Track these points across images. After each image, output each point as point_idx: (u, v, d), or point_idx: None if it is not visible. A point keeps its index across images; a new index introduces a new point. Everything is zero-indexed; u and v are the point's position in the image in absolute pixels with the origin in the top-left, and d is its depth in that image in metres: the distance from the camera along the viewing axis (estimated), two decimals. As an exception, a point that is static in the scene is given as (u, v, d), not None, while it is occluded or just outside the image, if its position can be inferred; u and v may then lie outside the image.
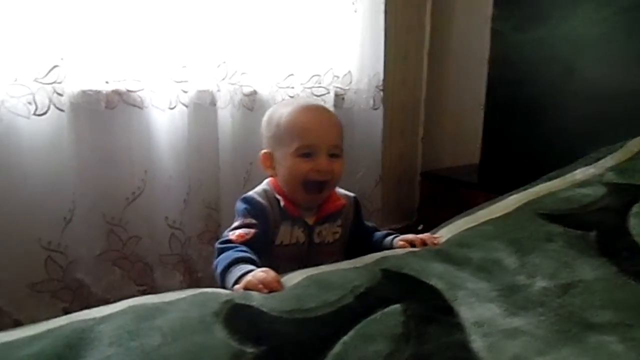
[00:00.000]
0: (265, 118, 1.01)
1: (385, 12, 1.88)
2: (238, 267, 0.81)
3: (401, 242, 0.98)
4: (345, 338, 0.58)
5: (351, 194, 1.07)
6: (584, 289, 0.73)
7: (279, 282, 0.75)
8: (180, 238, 1.52)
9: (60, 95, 1.26)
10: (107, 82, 1.36)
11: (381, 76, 1.91)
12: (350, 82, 1.86)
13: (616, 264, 0.79)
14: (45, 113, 1.24)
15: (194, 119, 1.50)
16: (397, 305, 0.66)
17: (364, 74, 1.87)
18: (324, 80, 1.76)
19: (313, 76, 1.74)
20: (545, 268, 0.79)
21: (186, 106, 1.47)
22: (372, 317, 0.63)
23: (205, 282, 1.50)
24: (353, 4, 1.80)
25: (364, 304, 0.67)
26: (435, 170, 2.13)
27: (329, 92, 1.77)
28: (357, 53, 1.85)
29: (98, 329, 0.58)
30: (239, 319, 0.61)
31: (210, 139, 1.55)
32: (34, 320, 0.65)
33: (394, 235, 1.03)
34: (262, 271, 0.76)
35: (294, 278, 0.76)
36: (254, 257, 0.85)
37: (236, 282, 0.78)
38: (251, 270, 0.78)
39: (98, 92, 1.36)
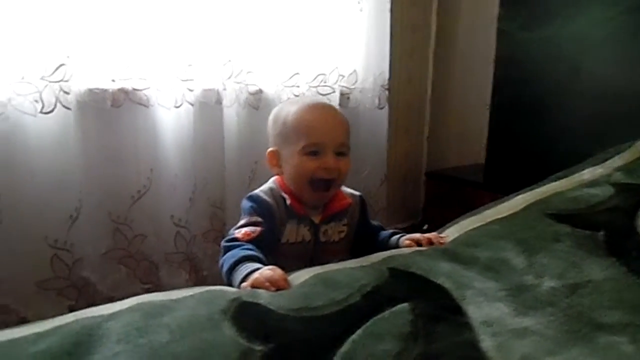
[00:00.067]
0: (271, 116, 1.01)
1: (391, 11, 1.88)
2: (245, 266, 0.81)
3: (407, 242, 0.98)
4: (353, 337, 0.58)
5: (357, 193, 1.07)
6: (593, 289, 0.72)
7: (286, 280, 0.75)
8: (186, 236, 1.52)
9: (67, 93, 1.26)
10: (113, 81, 1.37)
11: (387, 75, 1.91)
12: (356, 81, 1.85)
13: (625, 264, 0.79)
14: (51, 111, 1.24)
15: (199, 117, 1.50)
16: (405, 304, 0.66)
17: (370, 73, 1.87)
18: (329, 79, 1.76)
19: (318, 75, 1.73)
20: (553, 268, 0.78)
21: (192, 105, 1.47)
22: (380, 316, 0.63)
23: (211, 280, 1.50)
24: (359, 3, 1.80)
25: (372, 302, 0.67)
26: (441, 170, 2.13)
27: (334, 91, 1.77)
28: (363, 52, 1.84)
29: (106, 326, 0.58)
30: (247, 316, 0.61)
31: (215, 138, 1.55)
32: (40, 318, 0.65)
33: (400, 235, 1.03)
34: (269, 269, 0.76)
35: (300, 276, 0.76)
36: (260, 255, 0.84)
37: (243, 280, 0.78)
38: (258, 269, 0.78)
39: (104, 91, 1.36)
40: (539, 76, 1.74)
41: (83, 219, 1.33)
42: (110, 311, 0.63)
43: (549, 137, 1.72)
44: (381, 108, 1.92)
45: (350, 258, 0.90)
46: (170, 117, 1.44)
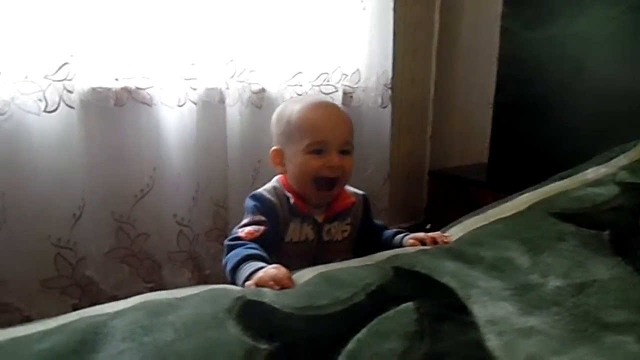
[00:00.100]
0: (275, 115, 1.00)
1: (394, 9, 1.88)
2: (248, 264, 0.80)
3: (411, 241, 0.98)
4: (359, 335, 0.58)
5: (360, 192, 1.07)
6: (599, 289, 0.72)
7: (290, 278, 0.74)
8: (189, 235, 1.52)
9: (70, 92, 1.26)
10: (116, 80, 1.37)
11: (390, 74, 1.90)
12: (359, 80, 1.85)
13: (631, 263, 0.79)
14: (55, 110, 1.24)
15: (202, 116, 1.50)
16: (410, 303, 0.65)
17: (373, 72, 1.87)
18: (332, 78, 1.76)
19: (321, 74, 1.73)
20: (558, 267, 0.78)
21: (195, 104, 1.47)
22: (385, 314, 0.63)
23: (213, 279, 1.50)
24: (362, 1, 1.80)
25: (376, 301, 0.66)
26: (444, 169, 2.12)
27: (337, 90, 1.77)
28: (366, 51, 1.84)
29: (111, 324, 0.58)
30: (252, 315, 0.61)
31: (218, 137, 1.55)
32: (44, 317, 0.65)
33: (404, 234, 1.03)
34: (273, 268, 0.76)
35: (304, 275, 0.76)
36: (264, 254, 0.84)
37: (247, 279, 0.77)
38: (262, 267, 0.78)
39: (107, 90, 1.36)
40: (542, 75, 1.74)
41: (86, 218, 1.33)
42: (115, 309, 0.63)
43: (553, 136, 1.72)
44: (384, 107, 1.92)
45: (354, 257, 0.90)
46: (173, 116, 1.44)
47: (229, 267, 0.84)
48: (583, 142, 1.57)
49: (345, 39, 1.77)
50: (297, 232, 0.96)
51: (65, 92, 1.25)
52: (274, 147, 0.99)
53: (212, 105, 1.54)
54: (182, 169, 1.47)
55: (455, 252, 0.85)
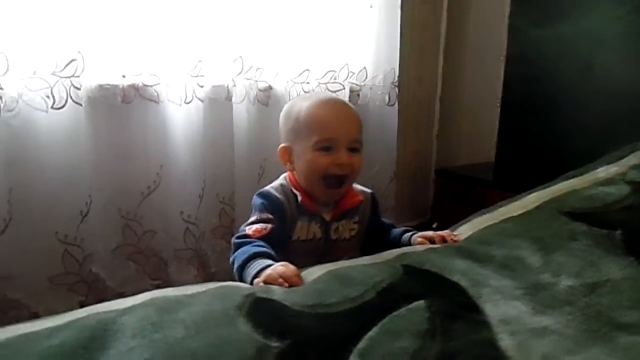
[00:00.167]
0: (283, 112, 1.00)
1: (401, 7, 1.86)
2: (257, 262, 0.80)
3: (420, 239, 0.97)
4: (370, 333, 0.58)
5: (368, 190, 1.06)
6: (611, 289, 0.71)
7: (299, 276, 0.74)
8: (195, 233, 1.52)
9: (78, 88, 1.26)
10: (123, 76, 1.36)
11: (396, 72, 1.89)
12: (366, 78, 1.84)
13: (644, 263, 0.78)
14: (62, 107, 1.24)
15: (209, 113, 1.49)
16: (421, 302, 0.65)
17: (380, 70, 1.86)
18: (339, 76, 1.75)
19: (328, 72, 1.73)
20: (570, 267, 0.77)
21: (202, 101, 1.47)
22: (396, 313, 0.62)
23: (219, 276, 1.50)
24: (369, -1, 1.79)
25: (387, 299, 0.66)
26: (450, 168, 2.11)
27: (344, 88, 1.76)
28: (373, 49, 1.83)
29: (121, 320, 0.58)
30: (262, 312, 0.60)
31: (225, 134, 1.55)
32: (52, 313, 0.65)
33: (412, 232, 1.02)
34: (282, 265, 0.76)
35: (313, 273, 0.75)
36: (271, 252, 0.84)
37: (255, 276, 0.77)
38: (270, 265, 0.77)
39: (115, 86, 1.36)
40: (550, 73, 1.73)
41: (93, 215, 1.33)
42: (124, 306, 0.62)
43: (560, 135, 1.71)
44: (391, 105, 1.91)
45: (361, 256, 0.89)
46: (180, 113, 1.43)
47: (236, 265, 0.83)
48: (590, 141, 1.56)
49: (353, 36, 1.77)
50: (304, 230, 0.95)
51: (72, 88, 1.25)
52: (282, 144, 0.98)
53: (219, 103, 1.53)
54: (188, 167, 1.47)
55: (464, 250, 0.84)
